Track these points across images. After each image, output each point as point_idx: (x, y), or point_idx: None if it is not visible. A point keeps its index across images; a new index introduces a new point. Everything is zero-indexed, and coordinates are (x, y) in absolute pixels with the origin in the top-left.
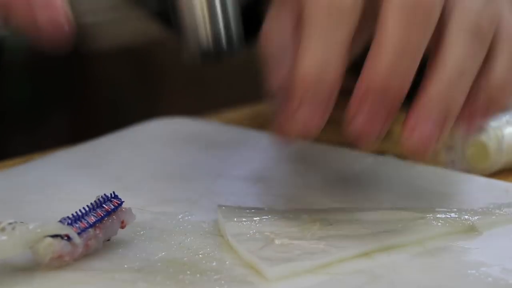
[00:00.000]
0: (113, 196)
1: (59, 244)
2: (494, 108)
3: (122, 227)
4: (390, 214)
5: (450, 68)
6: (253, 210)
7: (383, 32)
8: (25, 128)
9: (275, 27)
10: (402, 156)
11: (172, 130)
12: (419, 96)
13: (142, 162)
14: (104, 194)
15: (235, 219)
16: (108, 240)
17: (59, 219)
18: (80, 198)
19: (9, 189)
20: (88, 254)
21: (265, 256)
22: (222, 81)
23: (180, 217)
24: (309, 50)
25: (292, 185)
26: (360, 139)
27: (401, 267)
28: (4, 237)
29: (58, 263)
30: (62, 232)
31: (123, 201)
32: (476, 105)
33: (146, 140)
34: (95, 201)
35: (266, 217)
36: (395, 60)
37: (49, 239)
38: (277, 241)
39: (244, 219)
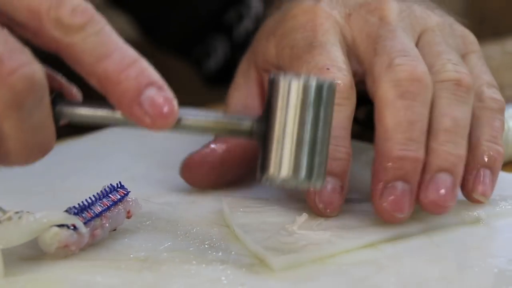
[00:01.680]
0: (119, 186)
1: (65, 233)
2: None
3: (128, 217)
4: None
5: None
6: (258, 201)
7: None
8: None
9: (237, 96)
10: None
11: None
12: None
13: (148, 153)
14: (110, 184)
15: (241, 210)
16: (114, 230)
17: (65, 209)
18: (86, 189)
19: (16, 179)
20: (94, 243)
21: (271, 247)
22: None
23: (186, 207)
24: None
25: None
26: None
27: (407, 258)
28: (11, 226)
29: (64, 253)
30: (69, 222)
31: (129, 191)
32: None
33: (152, 132)
34: (101, 191)
35: (272, 208)
36: (407, 135)
37: (56, 229)
38: (283, 232)
39: (250, 210)
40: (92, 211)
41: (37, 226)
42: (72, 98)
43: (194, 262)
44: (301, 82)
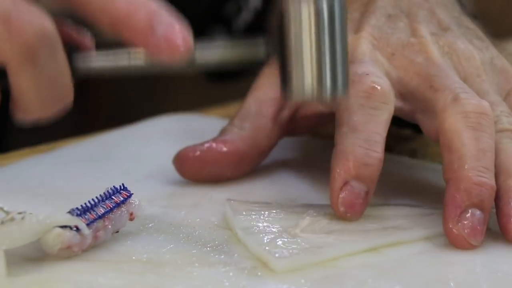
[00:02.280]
0: (122, 188)
1: (68, 234)
2: None
3: (131, 219)
4: (398, 210)
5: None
6: (261, 205)
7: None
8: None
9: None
10: (408, 150)
11: (180, 126)
12: None
13: (151, 156)
14: (114, 186)
15: (244, 213)
16: (117, 232)
17: (68, 211)
18: (89, 191)
19: (19, 180)
20: (97, 245)
21: (274, 250)
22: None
23: (188, 210)
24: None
25: (299, 179)
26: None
27: (409, 262)
28: (13, 227)
29: (67, 254)
30: (72, 223)
31: (132, 193)
32: None
33: (155, 135)
34: (104, 192)
35: (275, 211)
36: (481, 163)
37: (58, 230)
38: (285, 235)
39: (253, 213)
40: (95, 213)
41: (40, 227)
42: (86, 48)
43: (197, 264)
44: (312, 5)
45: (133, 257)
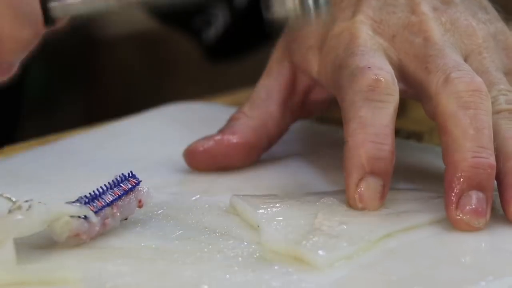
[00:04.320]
0: (130, 175)
1: (76, 222)
2: None
3: (140, 207)
4: (408, 194)
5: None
6: (270, 197)
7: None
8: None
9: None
10: (415, 133)
11: (187, 114)
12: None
13: (158, 144)
14: (122, 174)
15: (262, 206)
16: (126, 219)
17: (76, 198)
18: (98, 179)
19: (29, 169)
20: (106, 232)
21: (312, 246)
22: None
23: (197, 197)
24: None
25: (306, 165)
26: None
27: (420, 244)
28: (21, 217)
29: (76, 241)
30: (80, 213)
31: (141, 181)
32: None
33: (162, 124)
34: (112, 180)
35: (289, 203)
36: (476, 143)
37: (67, 218)
38: (310, 228)
39: (270, 206)
40: (103, 200)
41: (48, 217)
42: None
43: (206, 250)
44: None
45: (142, 244)
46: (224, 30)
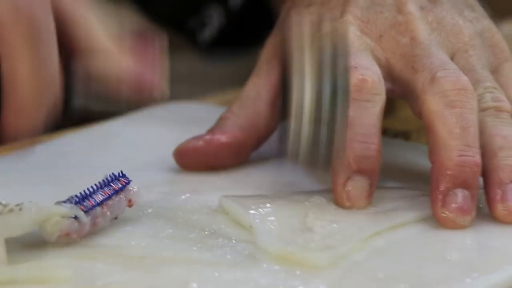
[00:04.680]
0: (121, 175)
1: (66, 222)
2: None
3: (130, 206)
4: (395, 192)
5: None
6: (259, 198)
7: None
8: None
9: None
10: (402, 132)
11: (178, 114)
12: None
13: (149, 144)
14: (112, 173)
15: (253, 207)
16: (116, 218)
17: (67, 197)
18: (90, 178)
19: (21, 170)
20: (97, 232)
21: (310, 246)
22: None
23: (186, 196)
24: None
25: (293, 165)
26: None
27: (406, 242)
28: (12, 218)
29: (66, 241)
30: (69, 214)
31: (131, 180)
32: None
33: (154, 124)
34: (103, 180)
35: (279, 203)
36: (462, 142)
37: (57, 217)
38: (304, 227)
39: (260, 206)
40: (94, 200)
41: (39, 217)
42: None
43: (195, 248)
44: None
45: (132, 242)
46: (219, 31)
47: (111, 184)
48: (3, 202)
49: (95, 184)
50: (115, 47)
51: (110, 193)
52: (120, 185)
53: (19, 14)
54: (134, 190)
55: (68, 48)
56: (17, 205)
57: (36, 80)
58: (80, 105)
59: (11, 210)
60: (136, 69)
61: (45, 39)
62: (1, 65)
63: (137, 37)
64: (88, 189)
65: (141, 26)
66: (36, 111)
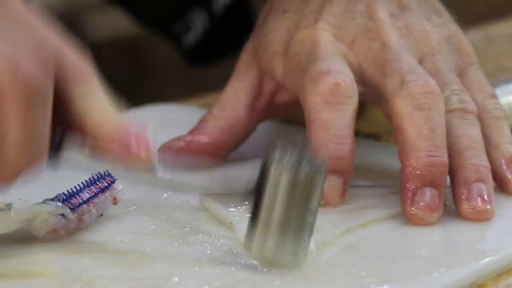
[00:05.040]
0: (106, 174)
1: (54, 219)
2: None
3: (115, 203)
4: (367, 190)
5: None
6: (237, 197)
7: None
8: None
9: (234, 86)
10: (373, 134)
11: (162, 115)
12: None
13: None
14: (98, 172)
15: (232, 205)
16: (101, 215)
17: (55, 195)
18: (79, 177)
19: None
20: (83, 228)
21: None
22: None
23: (168, 194)
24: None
25: None
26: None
27: (378, 238)
28: (2, 216)
29: (54, 236)
30: (57, 212)
31: (116, 179)
32: None
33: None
34: (89, 178)
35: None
36: (430, 143)
37: (45, 215)
38: None
39: (239, 204)
40: (80, 198)
41: (27, 215)
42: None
43: (176, 243)
44: (291, 174)
45: (117, 238)
46: (202, 35)
47: (97, 182)
48: None
49: (82, 183)
50: (107, 132)
51: (96, 191)
52: (106, 184)
53: (17, 77)
54: (118, 188)
55: (63, 119)
56: (7, 204)
57: (24, 148)
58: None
59: (1, 210)
60: (126, 132)
61: (40, 106)
62: None
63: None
64: (75, 187)
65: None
66: (15, 169)
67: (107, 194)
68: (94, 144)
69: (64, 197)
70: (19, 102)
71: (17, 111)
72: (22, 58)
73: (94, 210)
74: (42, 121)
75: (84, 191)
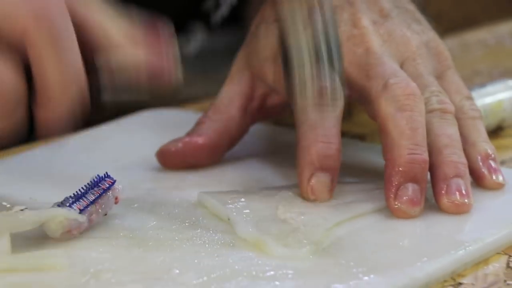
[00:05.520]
0: (106, 176)
1: (68, 221)
2: None
3: (116, 203)
4: (353, 186)
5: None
6: (234, 194)
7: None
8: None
9: (228, 90)
10: (358, 135)
11: (161, 119)
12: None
13: (135, 146)
14: (98, 175)
15: (229, 201)
16: (105, 214)
17: (63, 199)
18: (83, 177)
19: (21, 170)
20: (91, 227)
21: (290, 240)
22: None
23: (168, 192)
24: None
25: (263, 164)
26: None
27: (364, 230)
28: (16, 215)
29: (68, 237)
30: (72, 216)
31: (116, 180)
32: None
33: (139, 128)
34: (90, 181)
35: (252, 197)
36: (412, 141)
37: (61, 218)
38: (277, 219)
39: (236, 201)
40: (87, 199)
41: (40, 218)
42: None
43: (176, 238)
44: None
45: (121, 234)
46: (201, 46)
47: (99, 184)
48: (8, 205)
49: (85, 185)
50: (129, 41)
51: (100, 193)
52: (107, 185)
53: (39, 19)
54: (119, 188)
55: (87, 48)
56: (22, 210)
57: (62, 75)
58: (107, 99)
59: (16, 212)
60: (151, 58)
61: (66, 38)
62: (31, 67)
63: (146, 28)
64: (80, 189)
65: (148, 18)
66: (64, 104)
67: (110, 194)
68: (121, 64)
69: (72, 200)
70: (47, 39)
71: (48, 47)
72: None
73: (100, 210)
74: (71, 51)
75: (89, 192)
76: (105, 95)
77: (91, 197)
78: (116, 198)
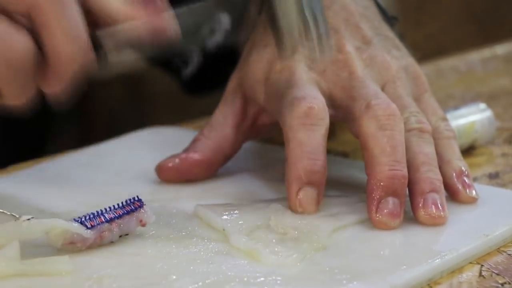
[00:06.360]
0: (136, 199)
1: (69, 234)
2: None
3: (143, 225)
4: (337, 200)
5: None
6: (229, 205)
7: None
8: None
9: (222, 110)
10: (342, 152)
11: (159, 137)
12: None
13: (136, 162)
14: (129, 199)
15: (225, 213)
16: (127, 234)
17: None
18: (87, 190)
19: (31, 183)
20: (104, 243)
21: (282, 250)
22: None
23: (166, 203)
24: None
25: (254, 178)
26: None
27: (347, 240)
28: (25, 224)
29: (72, 248)
30: (70, 228)
31: (144, 204)
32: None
33: (139, 145)
34: (121, 202)
35: (245, 209)
36: (392, 158)
37: (58, 230)
38: (271, 231)
39: (231, 213)
40: (104, 217)
41: (42, 228)
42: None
43: (174, 246)
44: None
45: (122, 242)
46: (197, 69)
47: (125, 206)
48: (17, 216)
49: (114, 205)
50: (128, 7)
51: (120, 213)
52: (132, 207)
53: None
54: (146, 212)
55: (89, 19)
56: (28, 219)
57: (68, 36)
58: (112, 59)
59: (22, 221)
60: (150, 17)
61: (69, 4)
62: (39, 33)
63: None
64: (105, 208)
65: None
66: (72, 65)
67: (134, 216)
68: (123, 30)
69: (90, 216)
70: (53, 5)
71: (54, 12)
72: None
73: (116, 229)
74: (76, 18)
75: (111, 212)
76: (109, 56)
77: (109, 216)
78: (141, 221)
